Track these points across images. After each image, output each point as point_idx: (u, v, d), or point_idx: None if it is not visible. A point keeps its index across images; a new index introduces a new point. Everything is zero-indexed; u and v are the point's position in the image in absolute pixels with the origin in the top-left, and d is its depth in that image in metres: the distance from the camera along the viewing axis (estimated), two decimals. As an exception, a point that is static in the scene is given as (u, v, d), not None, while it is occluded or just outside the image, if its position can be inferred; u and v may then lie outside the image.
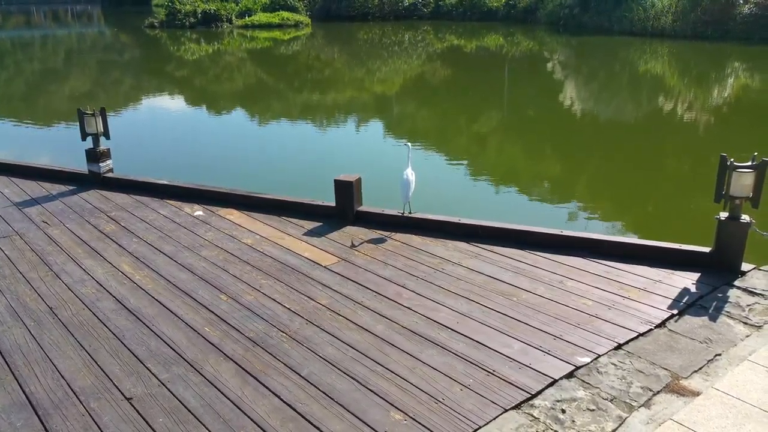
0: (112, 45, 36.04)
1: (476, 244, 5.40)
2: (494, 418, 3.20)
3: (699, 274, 4.66)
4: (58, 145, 12.69)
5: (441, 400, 3.34)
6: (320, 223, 6.02)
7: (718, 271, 4.67)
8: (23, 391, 3.55)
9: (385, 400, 3.35)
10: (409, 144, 5.83)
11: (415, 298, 4.48)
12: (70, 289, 4.80)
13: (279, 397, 3.42)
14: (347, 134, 13.93)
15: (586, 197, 9.11)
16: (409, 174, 5.69)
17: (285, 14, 37.29)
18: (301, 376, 3.60)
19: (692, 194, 8.90)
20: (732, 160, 4.47)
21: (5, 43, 37.19)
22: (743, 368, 3.53)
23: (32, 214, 6.54)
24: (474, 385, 3.45)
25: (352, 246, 5.44)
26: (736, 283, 4.52)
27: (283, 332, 4.08)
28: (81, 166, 7.75)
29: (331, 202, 6.13)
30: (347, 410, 3.29)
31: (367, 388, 3.47)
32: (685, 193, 9.11)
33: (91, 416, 3.32)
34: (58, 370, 3.74)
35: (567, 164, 10.89)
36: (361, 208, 6.04)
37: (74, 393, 3.52)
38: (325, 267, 5.06)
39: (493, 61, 24.84)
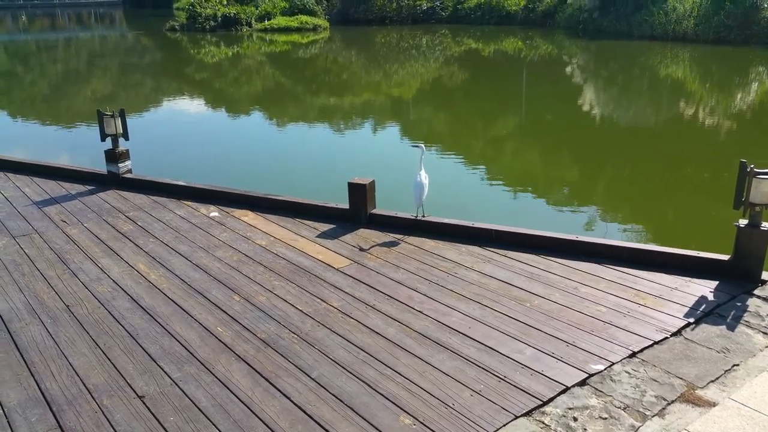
0: (133, 47, 36.46)
1: (490, 249, 5.37)
2: (505, 425, 3.17)
3: (717, 282, 4.59)
4: (79, 146, 12.85)
5: (451, 405, 3.33)
6: (333, 226, 6.03)
7: (737, 279, 4.59)
8: (39, 387, 3.60)
9: (395, 404, 3.35)
10: (423, 145, 5.80)
11: (427, 302, 4.46)
12: (86, 288, 4.85)
13: (289, 399, 3.43)
14: (362, 137, 13.95)
15: (604, 203, 9.03)
16: (423, 177, 5.68)
17: (304, 18, 37.46)
18: (311, 378, 3.60)
19: (712, 201, 8.79)
20: (752, 166, 4.40)
21: (30, 46, 37.80)
22: (762, 379, 3.47)
23: (51, 213, 6.63)
24: (485, 391, 3.43)
25: (361, 250, 5.43)
26: (755, 291, 4.44)
27: (294, 334, 4.09)
28: (100, 166, 7.85)
29: (345, 205, 6.14)
30: (357, 413, 3.29)
31: (377, 391, 3.46)
32: (705, 199, 8.99)
33: (103, 413, 3.36)
34: (72, 367, 3.78)
35: (584, 169, 10.81)
36: (374, 211, 6.04)
37: (88, 390, 3.56)
38: (337, 269, 5.07)
39: (511, 64, 24.75)
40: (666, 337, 3.92)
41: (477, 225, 5.65)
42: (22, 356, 3.92)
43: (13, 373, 3.75)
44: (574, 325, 4.09)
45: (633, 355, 3.74)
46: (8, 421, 3.33)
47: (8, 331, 4.23)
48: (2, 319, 4.39)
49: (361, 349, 3.87)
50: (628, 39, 28.02)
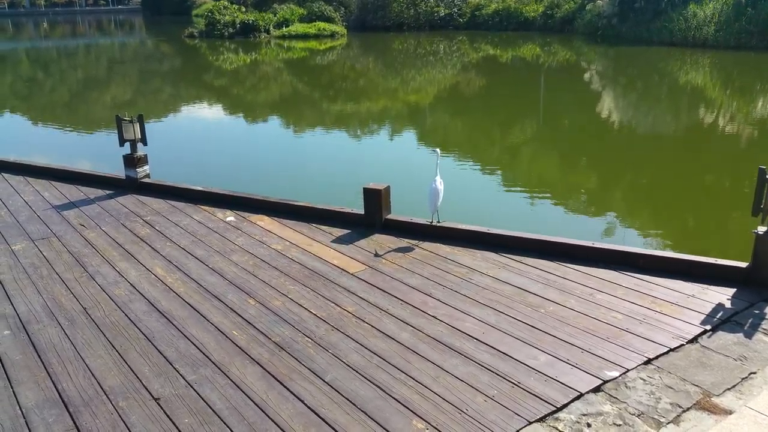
0: (152, 54, 36.92)
1: (505, 255, 5.35)
2: (518, 431, 3.16)
3: (735, 290, 4.54)
4: (98, 151, 13.03)
5: (464, 410, 3.32)
6: (348, 231, 6.05)
7: (755, 286, 4.54)
8: (56, 388, 3.65)
9: (408, 409, 3.35)
10: (438, 150, 5.80)
11: (441, 308, 4.46)
12: (103, 291, 4.92)
13: (303, 402, 3.44)
14: (379, 143, 13.99)
15: (622, 210, 8.96)
16: (438, 183, 5.68)
17: (321, 25, 37.69)
18: (325, 381, 3.62)
19: (731, 208, 8.68)
20: (771, 173, 4.36)
21: (51, 52, 38.43)
22: (779, 387, 3.42)
23: (70, 216, 6.73)
24: (498, 397, 3.42)
25: (376, 255, 5.45)
26: (773, 299, 4.39)
27: (308, 338, 4.11)
28: (119, 171, 7.95)
29: (360, 210, 6.16)
30: (370, 417, 3.29)
31: (390, 395, 3.46)
32: (723, 206, 8.89)
33: (119, 414, 3.40)
34: (89, 369, 3.83)
35: (602, 176, 10.73)
36: (389, 217, 6.05)
37: (104, 391, 3.60)
38: (352, 274, 5.09)
39: (529, 71, 24.68)
40: (682, 345, 3.88)
41: (492, 231, 5.64)
42: (39, 357, 3.98)
43: (31, 374, 3.81)
44: (589, 332, 4.06)
45: (648, 361, 3.71)
46: (26, 421, 3.37)
47: (27, 332, 4.30)
48: (21, 321, 4.46)
49: (375, 354, 3.88)
50: (648, 45, 27.80)
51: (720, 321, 4.13)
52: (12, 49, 40.23)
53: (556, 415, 3.27)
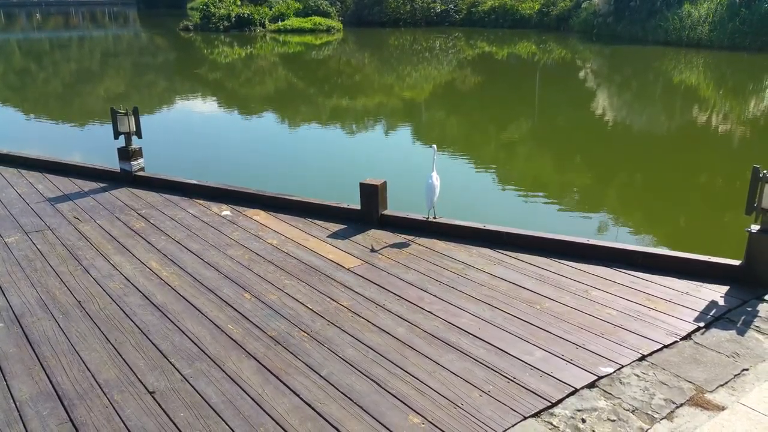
0: (146, 47, 36.72)
1: (501, 251, 5.37)
2: (513, 426, 3.18)
3: (728, 288, 4.57)
4: (92, 144, 12.96)
5: (460, 405, 3.33)
6: (345, 226, 6.05)
7: (748, 284, 4.57)
8: (50, 382, 3.64)
9: (404, 403, 3.36)
10: (435, 146, 5.81)
11: (437, 303, 4.47)
12: (98, 284, 4.90)
13: (299, 396, 3.44)
14: (375, 138, 13.98)
15: (616, 207, 8.99)
16: (435, 179, 5.69)
17: (317, 19, 37.58)
18: (321, 376, 3.62)
19: (724, 206, 8.73)
20: (765, 172, 4.38)
21: (44, 44, 38.15)
22: (771, 384, 3.45)
23: (64, 209, 6.70)
24: (494, 392, 3.43)
25: (372, 250, 5.45)
26: (766, 297, 4.41)
27: (304, 332, 4.11)
28: (113, 164, 7.91)
29: (356, 206, 6.16)
30: (366, 411, 3.30)
31: (386, 390, 3.47)
32: (717, 205, 8.94)
33: (114, 408, 3.39)
34: (84, 362, 3.82)
35: (597, 174, 10.77)
36: (385, 212, 6.06)
37: (99, 385, 3.59)
38: (348, 269, 5.09)
39: (525, 68, 24.70)
40: (676, 341, 3.90)
41: (488, 227, 5.65)
42: (34, 351, 3.97)
43: (25, 367, 3.79)
44: (584, 328, 4.08)
45: (642, 358, 3.73)
46: (20, 415, 3.36)
47: (20, 325, 4.28)
48: (15, 314, 4.44)
49: (371, 349, 3.89)
50: (643, 44, 27.88)
51: (713, 318, 4.16)
52: (4, 40, 39.92)
53: (551, 411, 3.29)
